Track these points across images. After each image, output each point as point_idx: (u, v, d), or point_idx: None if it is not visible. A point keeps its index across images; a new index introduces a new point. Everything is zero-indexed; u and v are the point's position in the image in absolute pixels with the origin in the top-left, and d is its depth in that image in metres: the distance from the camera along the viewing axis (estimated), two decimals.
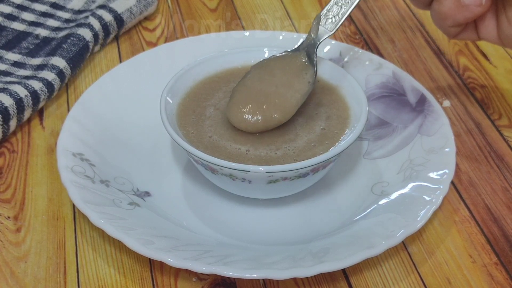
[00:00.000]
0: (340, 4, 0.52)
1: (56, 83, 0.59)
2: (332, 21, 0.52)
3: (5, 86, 0.57)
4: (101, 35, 0.65)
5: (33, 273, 0.47)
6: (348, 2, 0.52)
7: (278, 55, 0.54)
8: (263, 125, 0.50)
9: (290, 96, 0.51)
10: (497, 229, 0.50)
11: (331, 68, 0.55)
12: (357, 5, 0.52)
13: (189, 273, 0.47)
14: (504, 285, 0.46)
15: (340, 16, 0.52)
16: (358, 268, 0.47)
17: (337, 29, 0.52)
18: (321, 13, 0.53)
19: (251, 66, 0.53)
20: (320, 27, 0.52)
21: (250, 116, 0.50)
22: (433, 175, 0.50)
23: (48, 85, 0.59)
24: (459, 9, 0.48)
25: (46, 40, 0.64)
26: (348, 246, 0.46)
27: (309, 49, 0.52)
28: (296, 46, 0.53)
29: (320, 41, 0.52)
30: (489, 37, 0.51)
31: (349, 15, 0.52)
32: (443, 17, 0.49)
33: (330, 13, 0.52)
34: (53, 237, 0.49)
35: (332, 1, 0.52)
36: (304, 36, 0.62)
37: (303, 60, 0.52)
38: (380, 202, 0.50)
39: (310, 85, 0.51)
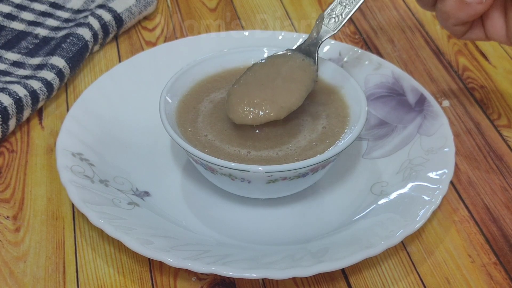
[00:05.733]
0: (344, 4, 0.52)
1: (55, 82, 0.59)
2: (335, 20, 0.52)
3: (4, 86, 0.57)
4: (100, 34, 0.65)
5: (32, 273, 0.47)
6: (352, 2, 0.52)
7: (280, 53, 0.54)
8: (266, 117, 0.50)
9: (294, 88, 0.50)
10: (496, 229, 0.50)
11: (330, 68, 0.55)
12: (361, 6, 0.52)
13: (188, 273, 0.47)
14: (503, 285, 0.46)
15: (343, 16, 0.52)
16: (358, 268, 0.47)
17: (339, 29, 0.52)
18: (325, 13, 0.52)
19: (253, 63, 0.53)
20: (323, 26, 0.52)
21: (252, 109, 0.49)
22: (432, 175, 0.50)
23: (47, 84, 0.59)
24: (461, 7, 0.47)
25: (46, 40, 0.64)
26: (347, 246, 0.46)
27: (311, 48, 0.52)
28: (298, 44, 0.53)
29: (323, 40, 0.52)
30: (497, 36, 0.50)
31: (352, 16, 0.52)
32: (446, 16, 0.49)
33: (334, 12, 0.52)
34: (52, 237, 0.49)
35: (336, 1, 0.52)
36: (304, 36, 0.62)
37: (305, 58, 0.52)
38: (380, 202, 0.50)
39: (312, 82, 0.51)
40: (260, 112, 0.49)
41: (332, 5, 0.52)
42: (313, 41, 0.52)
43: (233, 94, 0.51)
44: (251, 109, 0.49)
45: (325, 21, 0.52)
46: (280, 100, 0.50)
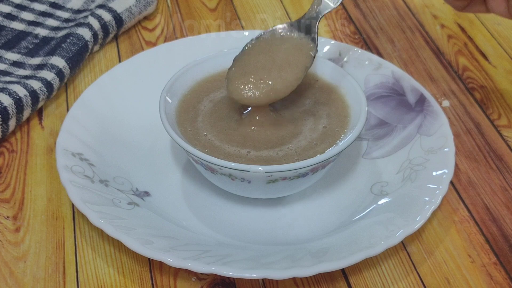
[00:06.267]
0: None
1: (55, 82, 0.59)
2: None
3: (4, 86, 0.57)
4: (100, 34, 0.65)
5: (32, 273, 0.47)
6: None
7: (279, 28, 0.53)
8: (266, 96, 0.50)
9: (292, 69, 0.51)
10: (496, 229, 0.50)
11: (330, 68, 0.55)
12: None
13: (188, 273, 0.47)
14: (503, 285, 0.46)
15: None
16: (357, 268, 0.47)
17: (340, 3, 0.51)
18: None
19: (251, 42, 0.53)
20: (323, 0, 0.52)
21: (252, 88, 0.50)
22: (432, 175, 0.50)
23: (47, 84, 0.59)
24: None
25: (46, 40, 0.64)
26: (347, 246, 0.46)
27: (311, 21, 0.52)
28: (298, 18, 0.53)
29: (323, 14, 0.52)
30: (498, 9, 0.49)
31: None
32: None
33: None
34: (52, 237, 0.49)
35: None
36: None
37: (303, 37, 0.52)
38: (379, 202, 0.50)
39: (311, 58, 0.52)
40: (259, 91, 0.50)
41: None
42: (313, 15, 0.52)
43: (232, 81, 0.51)
44: (249, 88, 0.50)
45: None
46: (278, 85, 0.50)
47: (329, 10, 0.52)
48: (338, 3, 0.51)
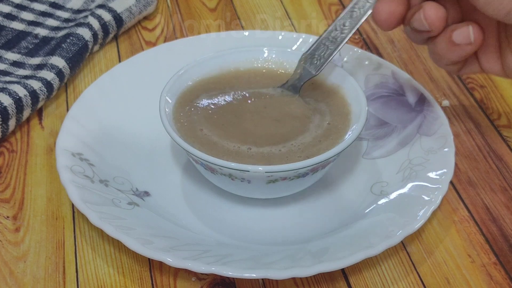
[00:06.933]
0: (326, 44, 0.53)
1: (55, 82, 0.59)
2: (316, 63, 0.53)
3: (4, 86, 0.57)
4: (100, 34, 0.65)
5: (32, 272, 0.47)
6: (334, 42, 0.53)
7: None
8: None
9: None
10: (496, 229, 0.50)
11: (330, 68, 0.55)
12: (343, 46, 0.53)
13: (188, 273, 0.47)
14: (503, 285, 0.46)
15: (325, 57, 0.53)
16: (357, 268, 0.47)
17: (320, 71, 0.53)
18: (307, 53, 0.54)
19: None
20: (305, 66, 0.53)
21: None
22: (432, 175, 0.50)
23: (47, 84, 0.59)
24: (451, 49, 0.48)
25: (46, 40, 0.64)
26: (347, 246, 0.46)
27: (294, 88, 0.54)
28: (283, 84, 0.54)
29: (303, 82, 0.53)
30: (493, 70, 0.50)
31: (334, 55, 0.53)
32: (438, 57, 0.50)
33: (316, 53, 0.53)
34: (52, 237, 0.49)
35: (317, 41, 0.53)
36: (304, 36, 0.62)
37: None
38: (379, 202, 0.50)
39: None
40: None
41: (314, 45, 0.53)
42: (295, 82, 0.53)
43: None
44: None
45: (307, 61, 0.53)
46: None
47: (309, 78, 0.53)
48: (319, 72, 0.53)
